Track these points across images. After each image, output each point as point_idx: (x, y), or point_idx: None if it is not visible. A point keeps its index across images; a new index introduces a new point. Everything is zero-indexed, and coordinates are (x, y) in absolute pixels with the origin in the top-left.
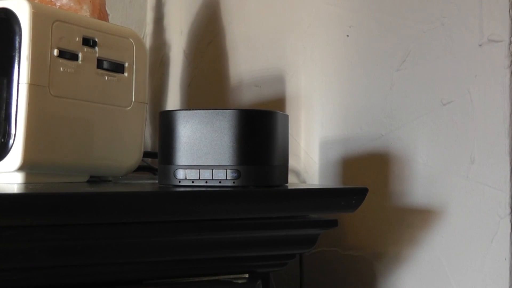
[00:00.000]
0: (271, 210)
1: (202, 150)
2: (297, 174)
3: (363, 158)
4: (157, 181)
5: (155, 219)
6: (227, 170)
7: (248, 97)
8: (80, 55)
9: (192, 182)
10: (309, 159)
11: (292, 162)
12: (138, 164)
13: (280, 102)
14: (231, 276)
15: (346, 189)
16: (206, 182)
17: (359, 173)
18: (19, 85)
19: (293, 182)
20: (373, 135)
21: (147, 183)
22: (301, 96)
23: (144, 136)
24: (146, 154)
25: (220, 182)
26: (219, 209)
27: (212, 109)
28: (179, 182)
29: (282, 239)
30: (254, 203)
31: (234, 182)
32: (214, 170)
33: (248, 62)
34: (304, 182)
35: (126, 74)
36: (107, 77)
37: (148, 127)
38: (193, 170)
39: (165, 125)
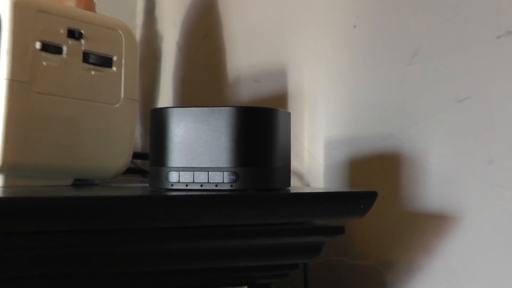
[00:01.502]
0: (272, 215)
1: (197, 150)
2: (300, 176)
3: (371, 159)
4: (148, 185)
5: (146, 226)
6: (224, 172)
7: (247, 94)
8: (64, 48)
9: (186, 185)
10: (313, 160)
11: (294, 164)
12: (127, 166)
13: (281, 98)
14: None
15: (354, 193)
16: (201, 185)
17: (367, 176)
18: None
19: (296, 185)
20: (382, 134)
21: (137, 186)
22: (304, 92)
23: (134, 135)
24: (136, 155)
25: (216, 186)
26: (215, 215)
27: (207, 107)
28: (172, 185)
29: (284, 247)
30: (254, 208)
31: (231, 186)
32: (210, 172)
33: (247, 55)
34: (307, 185)
35: (114, 68)
36: (94, 71)
37: (138, 126)
38: (187, 172)
39: (156, 124)
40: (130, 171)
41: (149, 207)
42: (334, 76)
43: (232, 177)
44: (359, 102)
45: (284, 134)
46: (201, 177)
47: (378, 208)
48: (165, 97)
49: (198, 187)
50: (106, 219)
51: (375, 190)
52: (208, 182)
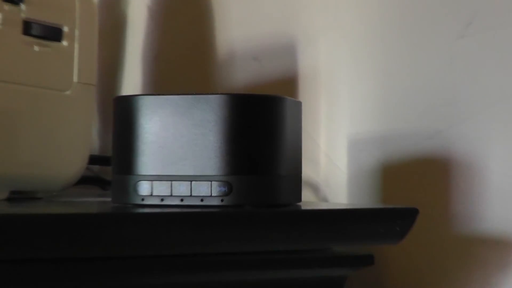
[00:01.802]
0: (277, 241)
1: (176, 153)
2: (315, 188)
3: (411, 165)
4: (109, 199)
5: (106, 254)
6: (213, 182)
7: (243, 76)
8: None
9: (162, 200)
10: (333, 166)
11: (307, 171)
12: (81, 174)
13: (289, 83)
14: None
15: (387, 211)
16: (182, 200)
17: (405, 187)
18: None
19: (308, 200)
20: (426, 132)
21: (94, 201)
22: (320, 75)
23: (91, 133)
24: (94, 160)
25: (202, 200)
26: (200, 240)
27: (190, 94)
28: (143, 200)
29: (293, 283)
30: (252, 231)
31: (222, 200)
32: (193, 182)
33: (243, 24)
34: (325, 200)
35: (65, 42)
36: (37, 47)
37: (96, 120)
38: (162, 182)
39: (121, 117)
40: (85, 181)
41: (111, 230)
42: (360, 53)
43: (223, 189)
44: (394, 88)
45: (293, 131)
46: (181, 188)
47: (420, 231)
48: (132, 80)
49: (177, 202)
50: (51, 245)
51: (415, 206)
52: (191, 195)
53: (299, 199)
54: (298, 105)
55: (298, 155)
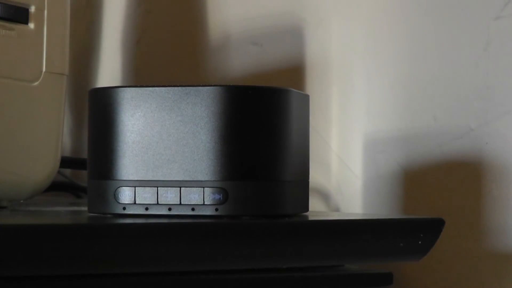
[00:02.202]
0: (280, 257)
1: (163, 155)
2: (325, 196)
3: (437, 169)
4: (85, 208)
5: (80, 271)
6: (205, 189)
7: (240, 64)
8: None
9: (146, 209)
10: (346, 170)
11: (316, 176)
12: (52, 179)
13: (295, 72)
14: None
15: (408, 222)
16: (170, 209)
17: (429, 195)
18: None
19: (317, 210)
20: (455, 130)
21: (67, 211)
22: (331, 64)
23: (63, 131)
24: (66, 162)
25: (193, 210)
26: (191, 256)
27: (179, 86)
28: (124, 209)
29: None
30: (251, 246)
31: (216, 210)
32: (183, 189)
33: (241, 3)
34: (336, 209)
35: (32, 25)
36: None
37: (68, 115)
38: (147, 189)
39: (98, 113)
40: (56, 187)
41: (86, 243)
42: (380, 37)
43: (217, 197)
44: (418, 79)
45: (300, 129)
46: (169, 196)
47: (446, 245)
48: (110, 69)
49: (164, 211)
50: (18, 261)
51: (441, 217)
52: (180, 204)
53: (307, 209)
54: (306, 99)
55: (306, 158)
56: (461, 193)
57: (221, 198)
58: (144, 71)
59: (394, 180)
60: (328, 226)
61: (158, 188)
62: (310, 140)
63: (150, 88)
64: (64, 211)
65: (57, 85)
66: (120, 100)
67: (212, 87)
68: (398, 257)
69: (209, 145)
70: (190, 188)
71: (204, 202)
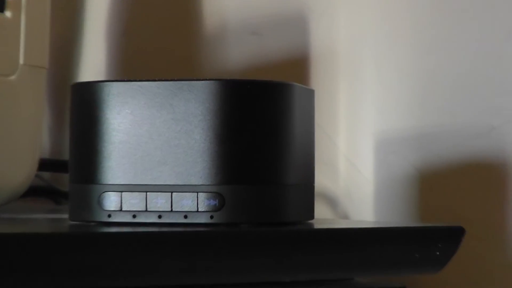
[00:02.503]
0: (283, 269)
1: (153, 156)
2: (333, 202)
3: (455, 172)
4: (66, 215)
5: (61, 285)
6: (199, 194)
7: (238, 56)
8: None
9: (134, 216)
10: (355, 173)
11: (322, 179)
12: (29, 183)
13: (298, 65)
14: None
15: (424, 230)
16: (160, 216)
17: (447, 200)
18: None
19: (324, 217)
20: (475, 129)
21: (45, 219)
22: (339, 54)
23: (41, 129)
24: (45, 165)
25: (186, 217)
26: (184, 268)
27: (170, 80)
28: (109, 216)
29: None
30: (250, 257)
31: (212, 217)
32: (174, 194)
33: None
34: (345, 217)
35: (8, 13)
36: None
37: (48, 112)
38: (135, 194)
39: (81, 110)
40: (34, 192)
41: (68, 254)
42: (392, 26)
43: (213, 203)
44: (435, 73)
45: (304, 127)
46: (159, 202)
47: (467, 256)
48: (94, 62)
49: (154, 219)
50: None
51: (460, 224)
52: (171, 210)
53: (312, 216)
54: (311, 94)
55: (310, 159)
56: (482, 198)
57: (217, 204)
58: (131, 64)
59: (409, 183)
60: (335, 235)
61: (147, 193)
62: (315, 140)
63: (138, 83)
64: (42, 219)
65: (35, 79)
66: (105, 96)
67: (207, 81)
68: (413, 269)
69: (204, 146)
70: (183, 193)
71: (198, 209)
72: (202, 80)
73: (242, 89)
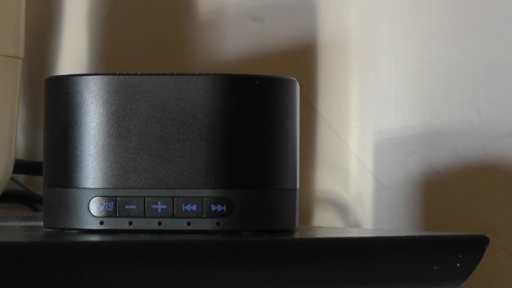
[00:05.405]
0: (293, 282)
1: (147, 158)
2: (343, 208)
3: (480, 174)
4: (41, 223)
5: None
6: (204, 199)
7: (237, 43)
8: None
9: (130, 223)
10: (368, 176)
11: (331, 183)
12: (4, 187)
13: (304, 54)
14: None
15: (444, 240)
16: (160, 223)
17: (471, 206)
18: None
19: (333, 225)
20: (501, 128)
21: (20, 227)
22: (350, 43)
23: (16, 128)
24: (21, 167)
25: (189, 224)
26: (188, 282)
27: (163, 74)
28: (101, 223)
29: None
30: (260, 267)
31: (218, 224)
32: (176, 199)
33: None
34: (356, 225)
35: None
36: None
37: (23, 108)
38: (131, 198)
39: (59, 106)
40: (9, 197)
41: (54, 266)
42: (410, 11)
43: (219, 208)
44: (457, 65)
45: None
46: (159, 207)
47: (492, 268)
48: (74, 52)
49: (153, 226)
50: None
51: (484, 233)
52: (173, 217)
53: (294, 224)
54: (292, 84)
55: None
56: (509, 204)
57: (224, 210)
58: (115, 54)
59: (427, 188)
60: (345, 246)
61: (146, 198)
62: (324, 138)
63: (126, 77)
64: (16, 227)
65: (10, 71)
66: (84, 91)
67: (204, 75)
68: (432, 282)
69: (207, 147)
70: (186, 198)
71: (203, 215)
72: (200, 74)
73: (243, 84)
